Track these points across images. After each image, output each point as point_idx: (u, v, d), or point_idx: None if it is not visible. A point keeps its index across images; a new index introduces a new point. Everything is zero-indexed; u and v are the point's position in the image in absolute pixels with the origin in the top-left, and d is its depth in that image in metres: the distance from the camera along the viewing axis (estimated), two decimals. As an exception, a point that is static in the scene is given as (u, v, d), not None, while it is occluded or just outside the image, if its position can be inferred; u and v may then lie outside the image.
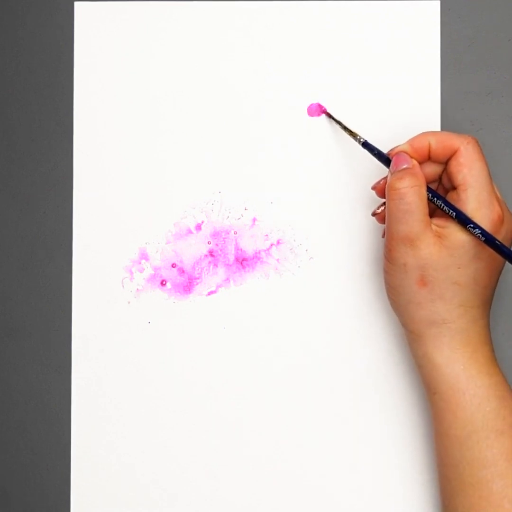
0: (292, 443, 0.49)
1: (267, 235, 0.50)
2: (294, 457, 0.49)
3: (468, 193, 0.42)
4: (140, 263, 0.50)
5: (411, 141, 0.44)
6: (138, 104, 0.50)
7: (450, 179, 0.43)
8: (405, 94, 0.50)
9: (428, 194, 0.42)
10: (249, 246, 0.50)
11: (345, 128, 0.48)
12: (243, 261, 0.50)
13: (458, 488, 0.41)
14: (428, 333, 0.42)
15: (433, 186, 0.45)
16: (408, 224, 0.41)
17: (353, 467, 0.49)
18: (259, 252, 0.50)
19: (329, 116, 0.49)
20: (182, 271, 0.50)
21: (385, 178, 0.44)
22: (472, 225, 0.41)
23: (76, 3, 0.51)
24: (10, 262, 0.51)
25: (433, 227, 0.42)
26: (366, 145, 0.46)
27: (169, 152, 0.50)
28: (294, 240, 0.50)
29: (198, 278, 0.50)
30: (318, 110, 0.50)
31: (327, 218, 0.50)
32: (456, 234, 0.41)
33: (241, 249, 0.50)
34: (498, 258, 0.42)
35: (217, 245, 0.50)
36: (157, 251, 0.50)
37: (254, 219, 0.50)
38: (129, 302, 0.50)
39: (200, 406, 0.49)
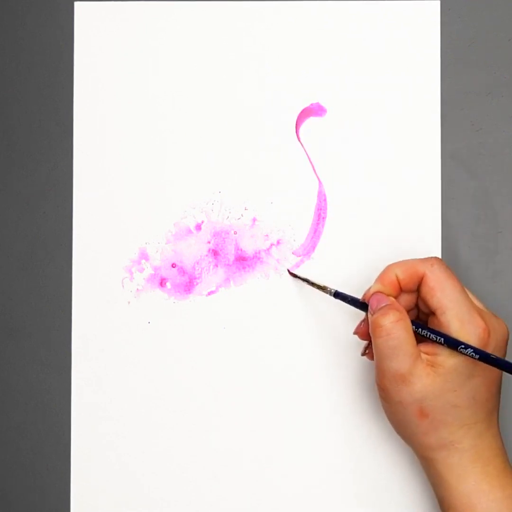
0: (292, 443, 0.49)
1: (267, 235, 0.50)
2: (294, 457, 0.49)
3: (447, 316, 0.41)
4: (140, 263, 0.50)
5: (380, 280, 0.43)
6: (138, 104, 0.50)
7: (426, 305, 0.43)
8: (405, 94, 0.50)
9: (412, 326, 0.42)
10: (249, 246, 0.50)
11: (313, 284, 0.47)
12: (243, 261, 0.50)
13: None
14: (438, 456, 0.42)
15: (413, 314, 0.45)
16: (398, 360, 0.41)
17: (353, 465, 0.49)
18: (259, 252, 0.50)
19: (294, 275, 0.49)
20: (182, 271, 0.50)
21: (364, 321, 0.44)
22: (463, 346, 0.40)
23: (76, 3, 0.51)
24: (10, 262, 0.51)
25: (423, 356, 0.41)
26: (338, 294, 0.46)
27: (169, 152, 0.50)
28: (294, 240, 0.50)
29: (198, 278, 0.50)
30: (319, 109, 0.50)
31: (327, 218, 0.50)
32: (448, 360, 0.41)
33: (241, 249, 0.50)
34: (493, 370, 0.41)
35: (217, 245, 0.50)
36: (157, 251, 0.50)
37: (254, 219, 0.50)
38: (129, 302, 0.50)
39: (200, 406, 0.49)
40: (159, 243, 0.50)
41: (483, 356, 0.40)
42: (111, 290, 0.50)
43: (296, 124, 0.50)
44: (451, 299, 0.41)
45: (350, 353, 0.49)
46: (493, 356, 0.40)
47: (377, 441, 0.49)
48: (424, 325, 0.42)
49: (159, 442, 0.49)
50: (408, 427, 0.42)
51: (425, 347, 0.42)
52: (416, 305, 0.44)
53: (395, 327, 0.41)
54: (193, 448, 0.49)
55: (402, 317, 0.41)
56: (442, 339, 0.41)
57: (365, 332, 0.44)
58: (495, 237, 0.49)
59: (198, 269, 0.50)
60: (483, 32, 0.50)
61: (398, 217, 0.49)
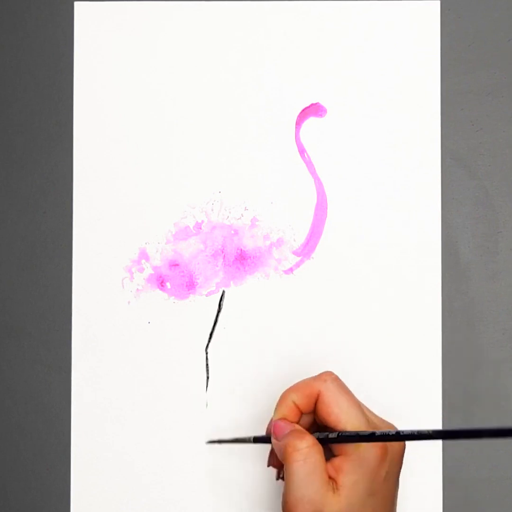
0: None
1: (267, 235, 0.50)
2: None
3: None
4: (140, 263, 0.50)
5: (278, 410, 0.42)
6: (138, 104, 0.50)
7: (324, 423, 0.41)
8: (405, 94, 0.50)
9: (331, 438, 0.40)
10: (249, 246, 0.50)
11: (231, 441, 0.48)
12: (243, 261, 0.50)
13: None
14: None
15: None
16: (313, 487, 0.39)
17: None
18: (259, 252, 0.50)
19: (213, 442, 0.49)
20: (182, 271, 0.50)
21: (271, 451, 0.43)
22: (380, 433, 0.38)
23: (76, 3, 0.51)
24: (10, 262, 0.51)
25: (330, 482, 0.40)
26: (256, 439, 0.45)
27: (169, 152, 0.50)
28: (294, 240, 0.50)
29: (198, 278, 0.50)
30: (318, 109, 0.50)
31: (327, 218, 0.50)
32: (346, 480, 0.39)
33: (241, 249, 0.50)
34: (389, 486, 0.40)
35: (217, 245, 0.50)
36: (157, 251, 0.50)
37: (254, 219, 0.50)
38: (129, 302, 0.50)
39: (200, 406, 0.49)
40: (159, 243, 0.50)
41: (406, 435, 0.37)
42: (111, 290, 0.50)
43: (296, 124, 0.50)
44: (349, 416, 0.40)
45: (351, 352, 0.49)
46: (406, 433, 0.37)
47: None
48: (345, 433, 0.40)
49: (159, 442, 0.50)
50: None
51: (328, 469, 0.40)
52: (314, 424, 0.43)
53: (311, 451, 0.39)
54: (193, 448, 0.49)
55: (315, 442, 0.40)
56: (359, 436, 0.39)
57: (279, 462, 0.43)
58: (495, 237, 0.49)
59: (198, 269, 0.50)
60: (483, 32, 0.50)
61: (398, 217, 0.49)
